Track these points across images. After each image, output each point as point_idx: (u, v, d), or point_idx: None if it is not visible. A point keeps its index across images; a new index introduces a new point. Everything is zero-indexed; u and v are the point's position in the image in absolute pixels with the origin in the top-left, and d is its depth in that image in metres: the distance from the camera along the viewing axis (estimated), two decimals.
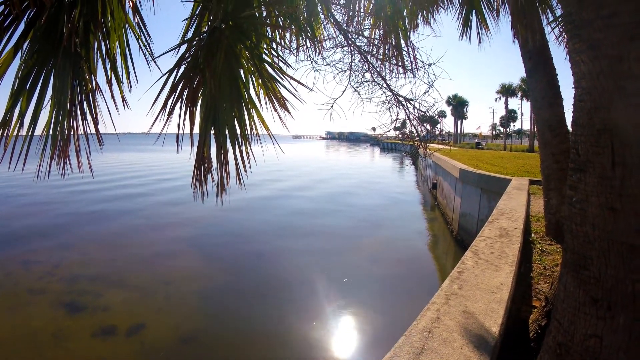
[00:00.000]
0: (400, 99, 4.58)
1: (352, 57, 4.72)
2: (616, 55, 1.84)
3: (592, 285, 1.93)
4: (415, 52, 4.57)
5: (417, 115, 4.57)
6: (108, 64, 3.22)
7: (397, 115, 4.66)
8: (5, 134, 2.70)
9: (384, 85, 4.65)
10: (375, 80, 4.70)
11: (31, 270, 12.58)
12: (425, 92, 4.50)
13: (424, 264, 14.45)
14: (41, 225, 18.31)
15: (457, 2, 7.57)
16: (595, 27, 1.90)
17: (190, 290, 11.07)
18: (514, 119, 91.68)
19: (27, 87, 2.80)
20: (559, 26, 5.73)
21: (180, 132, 2.89)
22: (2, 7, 2.60)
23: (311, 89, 3.54)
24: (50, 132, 2.95)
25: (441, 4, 6.77)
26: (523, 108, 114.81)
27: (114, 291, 10.90)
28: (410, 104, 4.55)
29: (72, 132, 3.09)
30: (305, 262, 13.72)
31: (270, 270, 12.88)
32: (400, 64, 4.55)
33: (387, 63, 4.68)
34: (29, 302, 10.17)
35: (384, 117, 4.71)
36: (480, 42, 8.16)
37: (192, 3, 3.36)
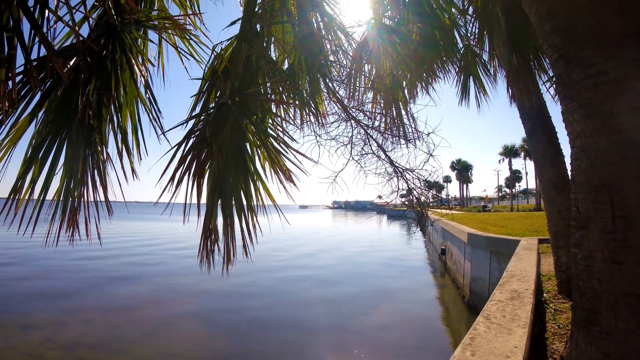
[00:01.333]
0: (400, 169, 4.68)
1: (352, 130, 4.86)
2: (607, 111, 1.91)
3: (603, 340, 1.91)
4: (415, 122, 4.72)
5: (417, 184, 4.65)
6: (119, 136, 3.34)
7: (398, 186, 4.74)
8: (16, 199, 2.77)
9: (384, 157, 4.76)
10: (375, 153, 4.82)
11: (30, 335, 12.34)
12: (425, 162, 4.60)
13: (436, 332, 14.07)
14: (42, 290, 18.16)
15: (454, 70, 7.86)
16: (585, 86, 1.98)
17: None
18: (519, 179, 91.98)
19: (40, 155, 2.89)
20: (554, 85, 5.89)
21: (187, 202, 2.95)
22: (20, 76, 2.73)
23: (316, 162, 3.64)
24: (62, 199, 3.02)
25: (439, 74, 7.02)
26: (527, 167, 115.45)
27: None
28: (409, 174, 4.64)
29: (82, 200, 3.16)
30: (314, 334, 13.38)
31: (278, 341, 12.55)
32: (399, 134, 4.68)
33: (387, 135, 4.81)
34: None
35: (386, 188, 4.80)
36: (479, 106, 8.42)
37: (200, 80, 3.52)
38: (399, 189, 4.76)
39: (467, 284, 16.69)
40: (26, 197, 2.86)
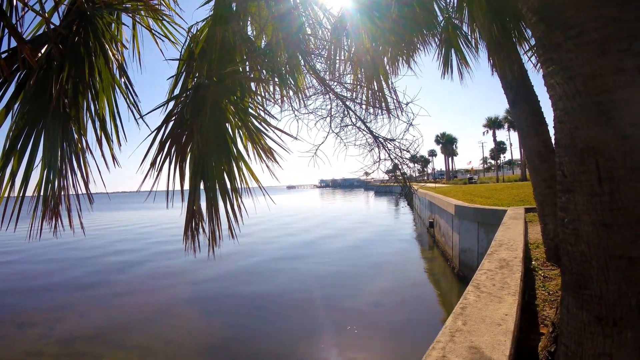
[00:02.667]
0: (380, 139, 4.65)
1: (331, 103, 4.81)
2: (589, 73, 1.88)
3: (594, 304, 1.91)
4: (396, 94, 4.67)
5: (398, 154, 4.62)
6: (97, 124, 3.27)
7: (380, 156, 4.72)
8: None
9: (364, 128, 4.73)
10: (355, 124, 4.78)
11: (27, 332, 12.29)
12: (405, 131, 4.57)
13: (427, 303, 14.24)
14: (35, 286, 18.13)
15: (435, 43, 7.81)
16: (566, 48, 1.95)
17: (192, 350, 10.79)
18: (504, 150, 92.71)
19: (19, 147, 2.83)
20: (535, 54, 5.88)
21: (170, 188, 2.91)
22: None
23: (296, 138, 3.60)
24: (42, 192, 2.96)
25: (420, 47, 6.97)
26: (511, 139, 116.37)
27: (113, 352, 10.62)
28: (390, 143, 4.61)
29: (62, 192, 3.11)
30: (307, 311, 13.51)
31: (271, 321, 12.62)
32: (379, 106, 4.64)
33: (367, 106, 4.77)
34: None
35: (367, 160, 4.77)
36: (462, 78, 8.39)
37: (177, 62, 3.44)
38: (380, 159, 4.73)
39: (456, 256, 16.87)
40: (6, 193, 2.79)
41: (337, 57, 4.67)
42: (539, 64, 6.69)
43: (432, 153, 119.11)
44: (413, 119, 4.54)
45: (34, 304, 15.30)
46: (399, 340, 10.78)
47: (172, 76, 3.40)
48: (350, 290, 15.87)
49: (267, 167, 3.17)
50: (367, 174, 5.45)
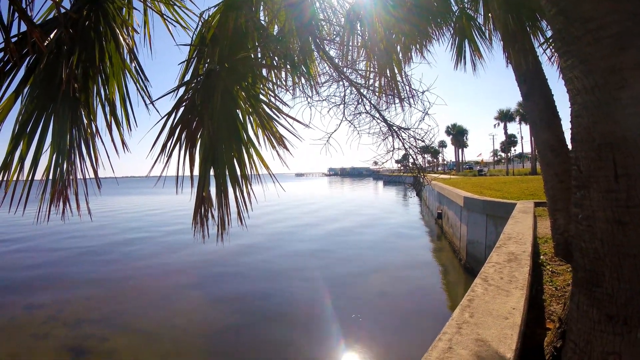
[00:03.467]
0: (395, 128, 4.61)
1: (345, 90, 4.76)
2: (608, 67, 1.84)
3: (605, 302, 1.88)
4: (409, 82, 4.62)
5: (412, 143, 4.58)
6: (107, 109, 3.26)
7: (393, 145, 4.67)
8: (5, 178, 2.72)
9: (378, 116, 4.69)
10: (369, 112, 4.74)
11: (34, 314, 12.43)
12: (420, 120, 4.53)
13: (433, 294, 14.23)
14: (43, 269, 18.28)
15: (449, 33, 7.73)
16: (585, 41, 1.91)
17: (197, 333, 10.89)
18: (514, 143, 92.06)
19: (28, 131, 2.83)
20: (550, 47, 5.80)
21: (180, 173, 2.90)
22: (2, 53, 2.64)
23: (308, 126, 3.57)
24: (50, 176, 2.97)
25: (434, 37, 6.89)
26: (522, 132, 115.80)
27: (119, 335, 10.73)
28: (405, 132, 4.57)
29: (71, 176, 3.11)
30: (312, 300, 13.56)
31: (277, 308, 12.68)
32: (393, 94, 4.59)
33: (382, 95, 4.72)
34: (33, 347, 10.02)
35: (380, 148, 4.73)
36: (475, 69, 8.32)
37: (189, 47, 3.42)
38: (394, 148, 4.68)
39: (464, 247, 16.84)
40: (15, 176, 2.80)
41: (351, 44, 4.62)
42: (553, 57, 6.64)
43: (442, 144, 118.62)
44: (429, 108, 4.49)
45: (41, 286, 15.48)
46: (404, 330, 10.79)
47: (183, 61, 3.38)
48: (356, 278, 15.88)
49: (278, 154, 3.15)
50: (376, 163, 5.41)
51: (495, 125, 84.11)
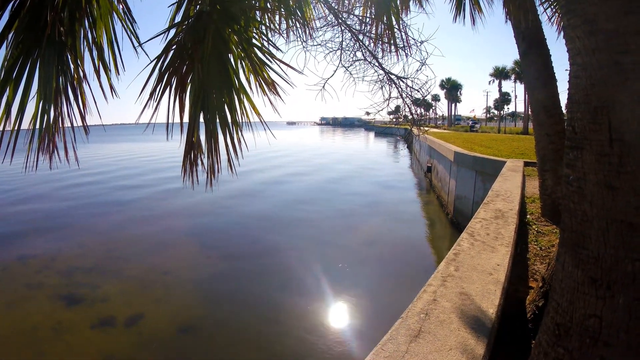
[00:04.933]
0: (393, 76, 4.53)
1: (342, 36, 4.65)
2: (612, 29, 1.79)
3: (591, 265, 1.90)
4: (408, 31, 4.52)
5: (409, 93, 4.52)
6: (95, 52, 3.16)
7: (390, 94, 4.61)
8: None
9: (376, 63, 4.60)
10: (367, 59, 4.64)
11: (28, 264, 12.53)
12: (417, 70, 4.45)
13: (419, 246, 14.49)
14: (35, 219, 18.24)
15: None
16: (590, 1, 1.85)
17: (189, 279, 11.08)
18: (508, 101, 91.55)
19: (13, 77, 2.74)
20: (552, 6, 5.67)
21: (170, 120, 2.84)
22: None
23: (301, 72, 3.49)
24: (37, 125, 2.90)
25: None
26: (517, 91, 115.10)
27: (112, 282, 10.90)
28: (403, 81, 4.50)
29: (58, 124, 3.04)
30: (301, 248, 13.76)
31: (266, 256, 12.89)
32: (392, 42, 4.49)
33: (379, 42, 4.62)
34: (27, 297, 10.14)
35: (376, 97, 4.67)
36: (474, 23, 8.11)
37: None
38: (390, 97, 4.63)
39: (452, 202, 17.03)
40: (1, 125, 2.73)
41: None
42: (554, 17, 6.49)
43: (436, 98, 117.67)
44: (427, 58, 4.40)
45: (34, 235, 15.52)
46: (389, 281, 11.02)
47: (174, 3, 3.26)
48: (344, 228, 16.07)
49: (270, 101, 3.09)
50: (368, 113, 5.35)
51: (490, 82, 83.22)
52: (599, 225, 1.85)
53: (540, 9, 6.50)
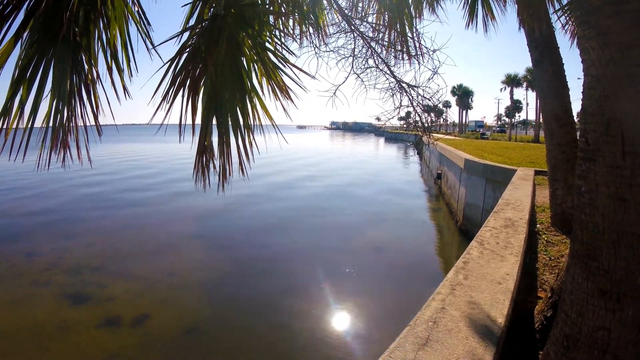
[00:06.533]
0: (404, 85, 4.53)
1: (354, 43, 4.66)
2: (626, 42, 1.79)
3: (601, 277, 1.89)
4: (420, 39, 4.52)
5: (420, 102, 4.52)
6: (109, 53, 3.19)
7: (401, 102, 4.62)
8: (5, 125, 2.68)
9: (388, 71, 4.60)
10: (379, 66, 4.65)
11: (35, 262, 12.63)
12: (429, 79, 4.45)
13: (428, 254, 14.43)
14: (44, 217, 18.40)
15: None
16: (605, 13, 1.85)
17: (195, 281, 11.11)
18: (519, 109, 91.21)
19: (27, 76, 2.77)
20: (565, 15, 5.64)
21: (182, 122, 2.86)
22: None
23: (314, 77, 3.50)
24: (50, 123, 2.93)
25: None
26: (528, 98, 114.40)
27: (118, 282, 10.95)
28: (414, 90, 4.50)
29: (71, 123, 3.06)
30: (309, 252, 13.76)
31: (274, 259, 12.90)
32: (404, 50, 4.50)
33: (391, 50, 4.62)
34: (34, 294, 10.22)
35: (387, 104, 4.67)
36: (486, 30, 8.08)
37: None
38: (401, 105, 4.63)
39: (461, 209, 16.95)
40: (15, 123, 2.75)
41: None
42: (567, 26, 6.47)
43: (447, 104, 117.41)
44: (438, 67, 4.40)
45: (42, 233, 15.68)
46: (397, 288, 10.97)
47: (188, 4, 3.28)
48: (352, 233, 16.04)
49: (282, 105, 3.10)
50: (378, 119, 5.36)
51: (501, 89, 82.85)
52: (610, 238, 1.84)
53: (553, 17, 6.48)
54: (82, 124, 3.14)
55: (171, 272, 11.68)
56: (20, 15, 2.73)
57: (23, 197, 22.85)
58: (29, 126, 2.78)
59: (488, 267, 3.56)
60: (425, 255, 14.23)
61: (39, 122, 2.88)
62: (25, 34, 2.77)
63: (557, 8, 6.27)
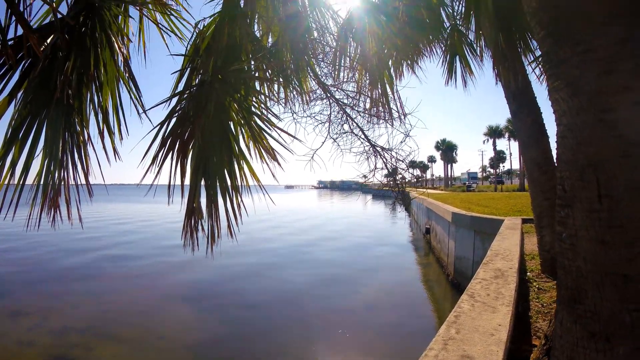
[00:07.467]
0: (378, 148, 4.67)
1: (331, 108, 4.80)
2: (594, 90, 1.89)
3: (588, 319, 1.91)
4: (400, 101, 4.68)
5: (394, 164, 4.64)
6: (100, 116, 3.27)
7: (376, 165, 4.74)
8: None
9: (362, 136, 4.74)
10: (354, 131, 4.78)
11: (20, 321, 12.31)
12: (402, 142, 4.59)
13: (420, 309, 14.25)
14: (30, 275, 18.14)
15: (440, 50, 7.82)
16: (572, 64, 1.96)
17: (184, 345, 10.79)
18: (503, 159, 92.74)
19: (20, 136, 2.83)
20: (540, 66, 5.89)
21: (171, 183, 2.91)
22: None
23: (299, 140, 3.59)
24: (42, 182, 2.96)
25: (425, 53, 6.97)
26: (511, 148, 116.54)
27: (105, 345, 10.63)
28: (388, 153, 4.63)
29: (62, 183, 3.10)
30: (299, 313, 13.49)
31: (264, 321, 12.62)
32: (378, 114, 4.66)
33: (365, 114, 4.78)
34: (17, 355, 9.91)
35: (363, 167, 4.80)
36: (465, 85, 8.40)
37: (183, 57, 3.44)
38: (376, 167, 4.75)
39: (451, 263, 16.89)
40: (6, 181, 2.79)
41: (342, 64, 4.67)
42: (542, 76, 6.73)
43: (432, 159, 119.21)
44: (410, 130, 4.56)
45: (28, 293, 15.33)
46: (390, 346, 10.77)
47: (177, 71, 3.40)
48: (344, 291, 15.86)
49: (268, 167, 3.17)
50: (365, 176, 5.47)
51: (484, 141, 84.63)
52: (594, 280, 1.88)
53: (529, 69, 6.72)
54: (73, 183, 3.17)
55: (160, 335, 11.35)
56: (15, 76, 2.81)
57: (10, 255, 22.62)
58: (20, 184, 2.82)
59: (480, 319, 3.55)
60: (417, 311, 14.05)
61: (30, 179, 2.91)
62: (19, 94, 2.85)
63: (530, 60, 6.55)
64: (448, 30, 7.60)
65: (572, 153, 2.00)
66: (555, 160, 6.56)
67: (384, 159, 4.68)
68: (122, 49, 3.31)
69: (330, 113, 4.82)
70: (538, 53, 6.14)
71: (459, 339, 3.08)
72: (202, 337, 11.41)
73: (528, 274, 6.88)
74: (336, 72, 4.64)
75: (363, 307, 14.05)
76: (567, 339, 2.04)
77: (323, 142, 4.81)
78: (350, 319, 12.76)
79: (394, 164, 4.66)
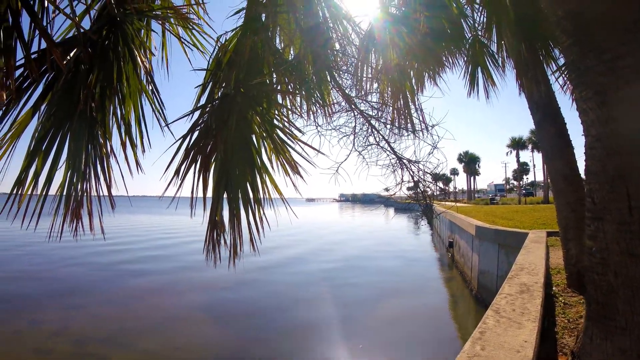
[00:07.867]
0: (404, 161, 4.62)
1: (355, 121, 4.79)
2: (624, 98, 1.84)
3: (619, 336, 1.85)
4: (422, 113, 4.65)
5: (421, 176, 4.59)
6: (123, 128, 3.31)
7: (402, 177, 4.69)
8: (20, 192, 2.75)
9: (388, 148, 4.70)
10: (379, 144, 4.75)
11: (39, 329, 12.43)
12: (429, 154, 4.54)
13: (444, 325, 14.02)
14: (51, 284, 18.41)
15: (462, 61, 7.77)
16: (599, 72, 1.91)
17: (200, 357, 10.80)
18: (527, 171, 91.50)
19: (43, 148, 2.87)
20: (563, 75, 5.81)
21: (193, 195, 2.92)
22: (21, 69, 2.70)
23: (322, 153, 3.58)
24: (64, 193, 2.99)
25: (447, 64, 6.93)
26: (535, 160, 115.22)
27: (122, 354, 10.70)
28: (415, 166, 4.58)
29: (85, 194, 3.13)
30: (320, 326, 13.40)
31: (283, 334, 12.55)
32: (404, 126, 4.62)
33: (391, 126, 4.74)
34: None
35: (390, 179, 4.75)
36: (488, 97, 8.31)
37: (205, 71, 3.47)
38: (402, 180, 4.70)
39: (475, 277, 16.63)
40: (29, 192, 2.83)
41: (364, 75, 4.66)
42: (566, 85, 6.64)
43: (454, 171, 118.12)
44: (438, 142, 4.51)
45: (48, 302, 15.54)
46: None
47: (199, 85, 3.43)
48: (365, 306, 15.72)
49: (291, 180, 3.16)
50: (387, 189, 5.42)
51: (507, 153, 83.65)
52: (625, 294, 1.82)
53: (552, 78, 6.63)
54: (95, 195, 3.21)
55: (177, 346, 11.35)
56: (39, 89, 2.86)
57: (31, 264, 22.98)
58: (43, 196, 2.85)
59: (505, 335, 3.47)
60: (441, 327, 13.82)
61: (52, 191, 2.95)
62: (42, 107, 2.89)
63: (553, 69, 6.46)
64: (469, 42, 7.56)
65: (601, 164, 1.95)
66: (581, 171, 6.43)
67: (411, 172, 4.64)
68: (144, 63, 3.36)
69: (355, 125, 4.80)
70: (561, 62, 6.07)
71: (484, 356, 3.01)
72: (219, 349, 11.41)
73: (554, 288, 6.73)
74: (359, 84, 4.63)
75: (386, 322, 13.89)
76: (597, 356, 1.98)
77: (348, 155, 4.80)
78: (372, 334, 12.65)
79: (421, 176, 4.61)
